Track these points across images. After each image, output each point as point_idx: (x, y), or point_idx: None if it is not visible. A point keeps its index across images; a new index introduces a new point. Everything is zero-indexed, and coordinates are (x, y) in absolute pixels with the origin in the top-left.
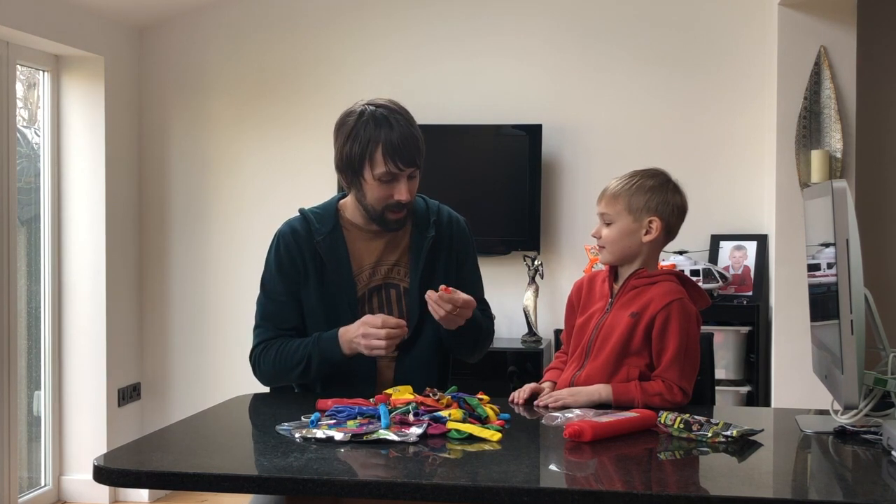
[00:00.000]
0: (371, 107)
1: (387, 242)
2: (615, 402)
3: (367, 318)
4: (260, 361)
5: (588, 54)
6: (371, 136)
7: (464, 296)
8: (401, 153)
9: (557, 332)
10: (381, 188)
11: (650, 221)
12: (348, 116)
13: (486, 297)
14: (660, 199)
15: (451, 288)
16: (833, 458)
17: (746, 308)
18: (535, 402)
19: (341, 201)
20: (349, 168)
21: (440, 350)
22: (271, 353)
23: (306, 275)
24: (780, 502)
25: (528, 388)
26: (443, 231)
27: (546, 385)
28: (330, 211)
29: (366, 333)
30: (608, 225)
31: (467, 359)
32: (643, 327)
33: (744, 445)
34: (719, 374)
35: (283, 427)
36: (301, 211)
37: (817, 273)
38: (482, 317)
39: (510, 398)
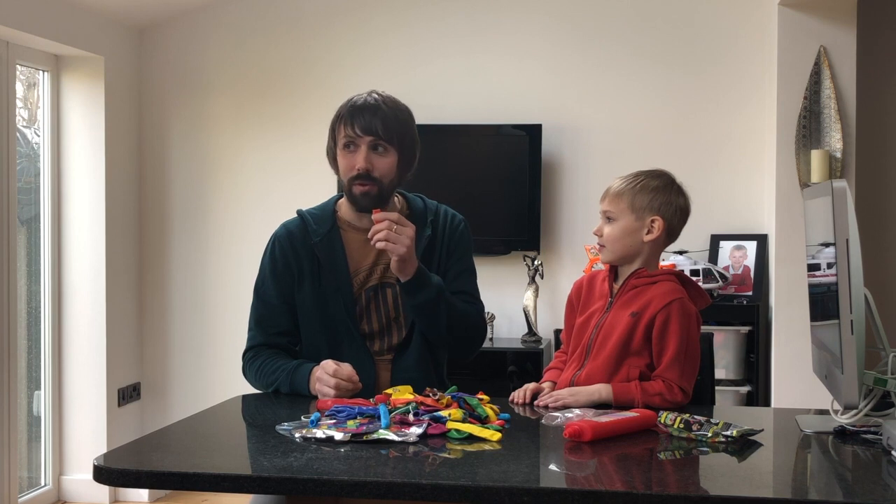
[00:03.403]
0: (362, 95)
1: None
2: (615, 401)
3: (325, 362)
4: (246, 369)
5: (588, 54)
6: (340, 114)
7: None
8: (358, 118)
9: (557, 332)
10: (346, 158)
11: (652, 221)
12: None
13: (487, 296)
14: (663, 199)
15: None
16: (833, 458)
17: (746, 308)
18: (536, 402)
19: (339, 202)
20: (329, 150)
21: (437, 349)
22: (255, 365)
23: (301, 277)
24: (780, 502)
25: (528, 388)
26: (439, 230)
27: (546, 385)
28: (327, 212)
29: (319, 377)
30: (610, 223)
31: (453, 349)
32: (643, 327)
33: (744, 445)
34: (719, 374)
35: (283, 427)
36: (298, 212)
37: (817, 273)
38: (459, 301)
39: (510, 398)
